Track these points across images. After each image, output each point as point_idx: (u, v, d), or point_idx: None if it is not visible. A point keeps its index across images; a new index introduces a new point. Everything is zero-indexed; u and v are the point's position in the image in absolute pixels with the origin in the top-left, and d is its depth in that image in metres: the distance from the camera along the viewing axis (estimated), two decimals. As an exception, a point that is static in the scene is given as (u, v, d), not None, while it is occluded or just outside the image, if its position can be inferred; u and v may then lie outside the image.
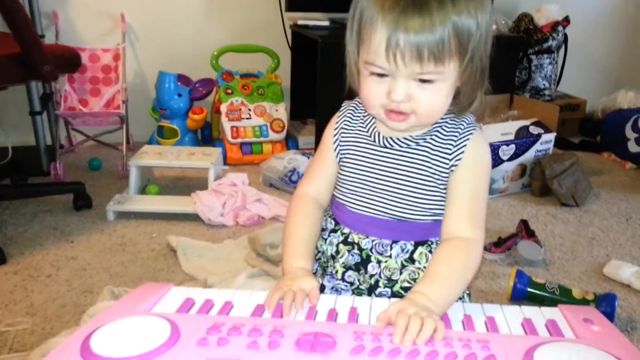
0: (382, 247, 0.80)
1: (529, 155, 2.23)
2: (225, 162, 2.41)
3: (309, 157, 2.27)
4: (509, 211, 2.10)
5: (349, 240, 0.82)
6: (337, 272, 0.83)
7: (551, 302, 1.41)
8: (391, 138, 0.78)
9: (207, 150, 2.21)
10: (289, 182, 2.18)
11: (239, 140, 2.50)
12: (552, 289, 1.44)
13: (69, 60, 1.91)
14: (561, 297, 1.42)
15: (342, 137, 0.83)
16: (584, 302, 1.38)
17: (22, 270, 1.61)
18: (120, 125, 2.43)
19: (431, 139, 0.77)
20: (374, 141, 0.80)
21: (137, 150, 2.18)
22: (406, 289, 0.79)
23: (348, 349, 0.54)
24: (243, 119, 2.53)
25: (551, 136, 2.27)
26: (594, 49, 3.23)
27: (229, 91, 2.56)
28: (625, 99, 2.92)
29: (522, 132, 2.21)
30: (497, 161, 2.15)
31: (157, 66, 2.59)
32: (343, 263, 0.82)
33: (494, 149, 2.12)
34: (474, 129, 0.77)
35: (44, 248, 1.74)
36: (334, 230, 0.85)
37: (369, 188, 0.80)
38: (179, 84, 2.53)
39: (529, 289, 1.44)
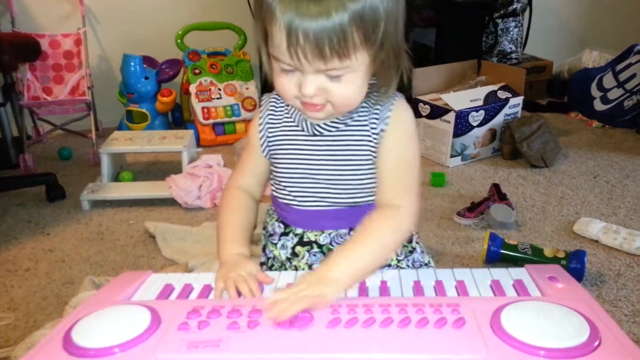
0: (341, 237, 0.78)
1: (498, 119, 2.26)
2: (198, 144, 2.40)
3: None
4: (481, 176, 2.15)
5: (305, 240, 0.80)
6: (301, 268, 0.80)
7: (524, 262, 1.45)
8: (319, 125, 0.75)
9: (179, 133, 2.19)
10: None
11: (211, 121, 2.48)
12: (524, 249, 1.49)
13: (28, 49, 1.87)
14: (533, 256, 1.47)
15: (270, 132, 0.78)
16: (555, 260, 1.44)
17: (-1, 265, 1.60)
18: (87, 112, 2.39)
19: (358, 116, 0.74)
20: (303, 130, 0.76)
21: (107, 137, 2.15)
22: None
23: (325, 322, 0.56)
24: (213, 99, 2.50)
25: (519, 100, 2.30)
26: (558, 10, 3.27)
27: (197, 71, 2.53)
28: (590, 58, 2.97)
29: (490, 97, 2.24)
30: (467, 127, 2.18)
31: (121, 49, 2.54)
32: (307, 263, 0.80)
33: (464, 115, 2.15)
34: (395, 98, 0.74)
35: (19, 242, 1.73)
36: (284, 234, 0.81)
37: (311, 181, 0.76)
38: (144, 66, 2.49)
39: (502, 251, 1.49)
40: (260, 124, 0.79)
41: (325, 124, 0.75)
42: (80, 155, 2.41)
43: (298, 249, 0.80)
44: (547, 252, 1.47)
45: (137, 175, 2.15)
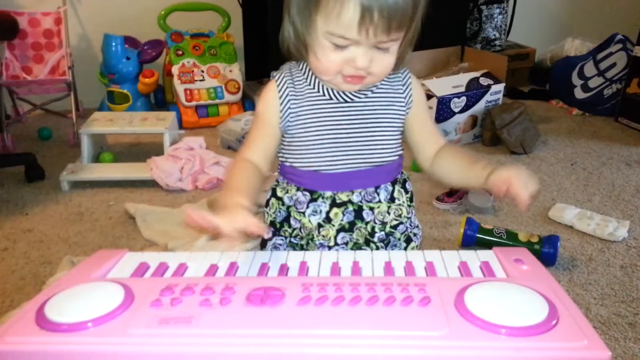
0: (369, 195, 0.85)
1: (480, 106, 2.29)
2: (180, 126, 2.38)
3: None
4: (462, 161, 2.17)
5: (338, 201, 0.84)
6: (329, 238, 0.85)
7: (499, 246, 1.49)
8: (344, 93, 0.81)
9: (161, 115, 2.18)
10: (246, 143, 2.18)
11: (194, 103, 2.46)
12: (499, 234, 1.52)
13: (5, 27, 1.83)
14: (508, 240, 1.50)
15: (293, 104, 0.81)
16: (529, 244, 1.47)
17: (-23, 245, 1.59)
18: (67, 92, 2.36)
19: (381, 84, 0.83)
20: (330, 99, 0.81)
21: (88, 118, 2.13)
22: (394, 227, 0.87)
23: (295, 300, 0.58)
24: (196, 80, 2.49)
25: (500, 87, 2.33)
26: (542, -2, 3.29)
27: (180, 52, 2.51)
28: (572, 46, 3.00)
29: (472, 84, 2.26)
30: (448, 113, 2.20)
31: (102, 29, 2.50)
32: (340, 225, 0.84)
33: (446, 101, 2.17)
34: (409, 73, 0.86)
35: (-3, 222, 1.72)
36: (312, 200, 0.84)
37: (342, 145, 0.82)
38: (126, 46, 2.46)
39: (478, 235, 1.52)
40: (281, 98, 0.81)
41: (354, 92, 0.81)
42: (60, 136, 2.38)
43: (334, 210, 0.84)
44: (522, 237, 1.51)
45: (117, 157, 2.14)
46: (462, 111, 2.23)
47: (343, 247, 0.86)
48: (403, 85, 0.85)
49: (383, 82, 0.83)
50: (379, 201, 0.85)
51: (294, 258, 0.72)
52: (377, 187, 0.85)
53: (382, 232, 0.86)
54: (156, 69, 2.58)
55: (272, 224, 0.89)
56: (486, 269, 0.67)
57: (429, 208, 1.80)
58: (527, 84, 3.09)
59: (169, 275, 0.67)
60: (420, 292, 0.58)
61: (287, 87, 0.82)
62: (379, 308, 0.56)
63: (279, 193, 0.88)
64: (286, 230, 0.88)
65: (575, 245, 1.60)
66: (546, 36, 3.23)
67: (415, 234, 0.92)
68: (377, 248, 0.87)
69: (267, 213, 0.90)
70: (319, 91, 0.82)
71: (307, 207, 0.85)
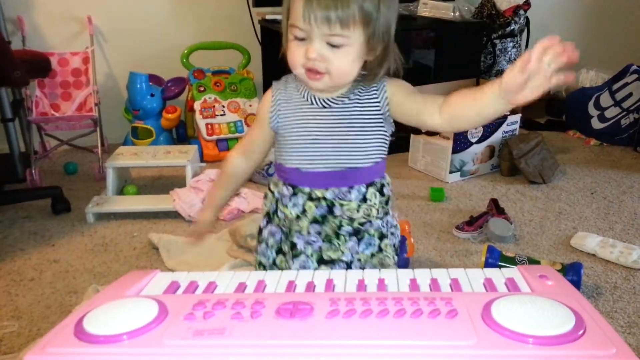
0: (342, 194, 0.94)
1: (497, 136, 2.31)
2: (202, 160, 2.44)
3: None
4: (480, 191, 2.18)
5: (314, 197, 0.94)
6: (303, 228, 0.96)
7: (521, 273, 1.48)
8: (325, 99, 0.91)
9: (183, 148, 2.23)
10: (266, 176, 2.22)
11: (215, 137, 2.52)
12: (521, 261, 1.51)
13: (39, 65, 1.92)
14: (530, 267, 1.49)
15: (281, 107, 0.94)
16: (551, 271, 1.46)
17: (5, 275, 1.62)
18: (93, 128, 2.44)
19: (358, 92, 0.92)
20: (312, 104, 0.92)
21: (113, 152, 2.19)
22: (362, 224, 0.96)
23: (324, 313, 0.59)
24: (217, 115, 2.55)
25: (517, 117, 2.35)
26: (555, 31, 3.29)
27: (202, 89, 2.59)
28: (587, 78, 3.02)
29: (488, 115, 2.29)
30: (466, 144, 2.22)
31: (128, 67, 2.60)
32: (312, 217, 0.95)
33: (463, 132, 2.19)
34: (384, 80, 0.92)
35: (25, 253, 1.75)
36: (294, 194, 0.95)
37: (320, 147, 0.91)
38: (150, 84, 2.55)
39: (499, 263, 1.51)
40: (273, 101, 0.95)
41: (332, 98, 0.91)
42: (85, 170, 2.45)
43: (308, 204, 0.94)
44: (544, 264, 1.50)
45: (141, 189, 2.19)
46: (479, 141, 2.25)
47: (315, 237, 0.96)
48: (378, 90, 0.92)
49: (360, 91, 0.92)
50: (350, 200, 0.94)
51: (320, 276, 0.74)
52: (350, 187, 0.93)
53: (350, 227, 0.96)
54: (179, 104, 2.66)
55: (267, 214, 1.02)
56: (511, 284, 0.68)
57: (448, 237, 1.80)
58: (543, 115, 3.10)
59: (199, 293, 0.69)
60: (447, 305, 0.59)
61: (279, 92, 0.95)
62: (406, 320, 0.57)
63: (272, 187, 1.00)
64: (276, 219, 1.00)
65: (599, 273, 1.58)
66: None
67: (392, 233, 1.00)
68: (346, 240, 0.96)
69: (264, 204, 1.03)
70: (304, 97, 0.93)
71: (290, 200, 0.96)
